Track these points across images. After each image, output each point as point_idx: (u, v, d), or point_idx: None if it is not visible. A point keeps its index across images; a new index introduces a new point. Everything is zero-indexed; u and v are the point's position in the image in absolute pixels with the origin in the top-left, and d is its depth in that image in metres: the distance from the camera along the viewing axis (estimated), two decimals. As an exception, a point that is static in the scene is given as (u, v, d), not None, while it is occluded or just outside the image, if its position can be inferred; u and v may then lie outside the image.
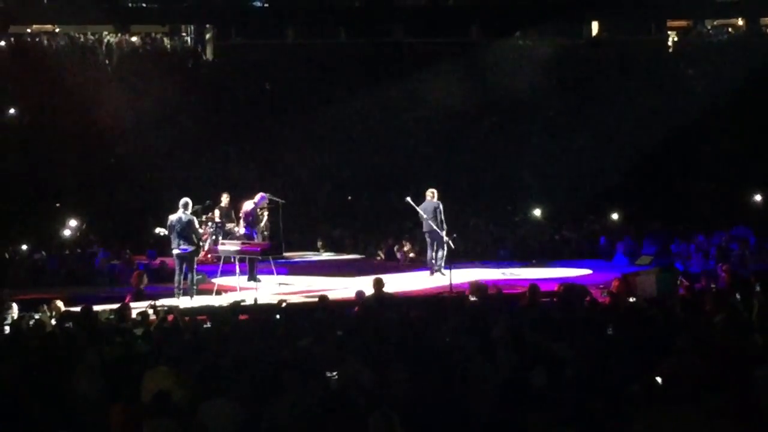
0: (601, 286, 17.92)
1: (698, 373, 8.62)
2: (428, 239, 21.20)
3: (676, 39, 39.10)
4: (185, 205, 18.62)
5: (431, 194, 21.05)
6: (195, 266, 18.92)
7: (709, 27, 39.67)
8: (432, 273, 21.05)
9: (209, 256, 23.17)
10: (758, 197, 28.07)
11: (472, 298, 15.80)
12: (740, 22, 39.68)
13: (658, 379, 8.45)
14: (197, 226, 19.42)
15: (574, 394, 8.23)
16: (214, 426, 8.38)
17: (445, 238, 20.64)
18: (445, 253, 20.77)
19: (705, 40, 38.82)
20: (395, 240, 26.53)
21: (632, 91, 32.93)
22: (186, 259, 18.56)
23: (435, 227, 20.63)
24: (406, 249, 25.51)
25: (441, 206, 20.85)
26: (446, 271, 19.64)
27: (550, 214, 28.60)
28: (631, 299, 15.48)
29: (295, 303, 17.16)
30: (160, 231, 19.57)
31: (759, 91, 31.97)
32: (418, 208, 21.02)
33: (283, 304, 15.58)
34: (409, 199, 21.21)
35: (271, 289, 19.68)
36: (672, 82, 34.23)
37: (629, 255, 23.79)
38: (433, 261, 21.10)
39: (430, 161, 31.59)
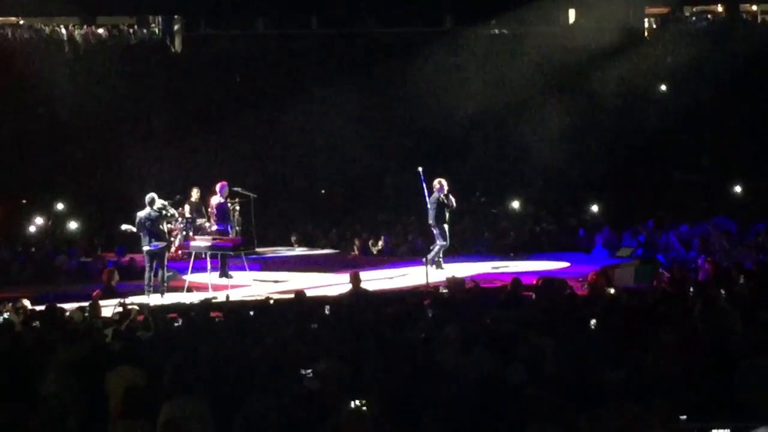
0: (580, 279, 17.75)
1: (680, 368, 8.42)
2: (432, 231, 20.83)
3: (654, 26, 38.98)
4: (151, 202, 18.42)
5: (437, 184, 20.48)
6: (166, 263, 18.64)
7: (688, 13, 39.53)
8: (436, 267, 20.61)
9: (179, 252, 22.83)
10: (738, 188, 27.89)
11: (449, 293, 15.63)
12: (720, 8, 39.58)
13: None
14: (169, 213, 19.13)
15: (554, 390, 7.98)
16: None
17: (436, 233, 20.33)
18: (438, 247, 20.39)
19: (684, 27, 38.66)
20: (370, 234, 26.26)
21: (610, 79, 32.71)
22: (157, 255, 18.40)
23: (431, 220, 20.32)
24: (380, 244, 25.34)
25: (442, 199, 20.28)
26: (446, 265, 19.99)
27: (529, 206, 28.32)
28: (611, 291, 15.32)
29: (271, 299, 16.88)
30: (127, 228, 19.31)
31: (739, 79, 31.84)
32: (425, 186, 20.57)
33: (271, 301, 15.40)
34: (420, 169, 20.68)
35: (249, 286, 19.37)
36: (651, 70, 34.07)
37: (609, 247, 23.60)
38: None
39: (405, 152, 31.28)
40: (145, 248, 18.36)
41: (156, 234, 18.27)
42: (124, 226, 19.76)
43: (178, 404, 8.37)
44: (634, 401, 6.83)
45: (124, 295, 16.77)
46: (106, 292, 17.68)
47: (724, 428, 5.90)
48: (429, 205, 20.41)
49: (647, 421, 6.45)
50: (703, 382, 8.01)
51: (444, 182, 20.50)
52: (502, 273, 20.16)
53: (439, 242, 20.39)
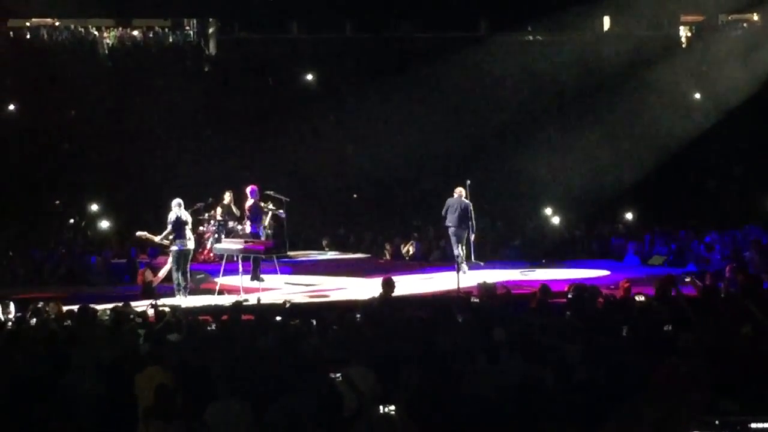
0: (612, 286, 17.61)
1: (697, 376, 8.35)
2: (453, 236, 20.86)
3: (689, 34, 38.68)
4: (179, 204, 18.62)
5: (459, 192, 20.87)
6: (189, 265, 18.81)
7: (723, 22, 39.16)
8: (460, 270, 20.60)
9: (212, 254, 22.89)
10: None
11: (479, 300, 15.51)
12: (755, 17, 39.17)
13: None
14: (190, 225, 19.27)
15: (584, 398, 8.01)
16: (221, 427, 8.21)
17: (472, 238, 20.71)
18: (472, 252, 20.75)
19: (719, 36, 38.26)
20: (402, 239, 26.21)
21: (645, 87, 32.48)
22: (182, 257, 18.42)
23: (462, 226, 20.51)
24: (412, 249, 25.30)
25: (471, 206, 20.74)
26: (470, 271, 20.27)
27: (561, 213, 28.17)
28: (641, 298, 15.13)
29: (300, 303, 16.91)
30: (142, 235, 19.40)
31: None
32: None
33: (287, 305, 15.35)
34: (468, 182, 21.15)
35: (280, 289, 19.38)
36: (686, 78, 33.81)
37: (641, 255, 23.45)
38: (459, 259, 20.74)
39: (438, 158, 31.20)
40: (172, 248, 18.53)
41: (183, 236, 18.42)
42: (139, 233, 19.84)
43: (224, 405, 8.41)
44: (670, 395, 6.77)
45: (157, 297, 16.92)
46: (145, 293, 17.93)
47: (764, 422, 5.81)
48: (452, 212, 20.70)
49: (684, 413, 6.36)
50: (738, 391, 7.90)
51: (463, 190, 21.04)
52: (539, 280, 20.08)
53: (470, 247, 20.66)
